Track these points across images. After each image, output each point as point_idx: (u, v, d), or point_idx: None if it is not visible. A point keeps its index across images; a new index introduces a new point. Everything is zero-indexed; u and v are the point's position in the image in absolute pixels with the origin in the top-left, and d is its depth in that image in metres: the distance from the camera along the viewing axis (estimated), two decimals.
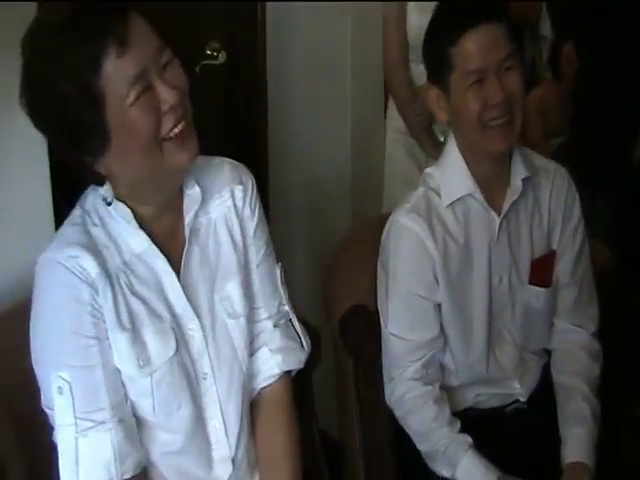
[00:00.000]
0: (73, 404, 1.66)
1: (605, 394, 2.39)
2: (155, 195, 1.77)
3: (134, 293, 1.75)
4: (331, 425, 2.53)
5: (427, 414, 2.26)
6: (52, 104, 1.60)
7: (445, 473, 2.23)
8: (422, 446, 2.28)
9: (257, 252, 1.96)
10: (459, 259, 2.26)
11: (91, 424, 1.67)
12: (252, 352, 1.96)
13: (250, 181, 1.95)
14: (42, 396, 1.72)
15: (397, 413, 2.32)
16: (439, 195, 2.27)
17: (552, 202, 2.35)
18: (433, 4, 3.04)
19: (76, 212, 1.78)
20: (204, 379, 1.84)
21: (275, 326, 1.99)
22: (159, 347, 1.75)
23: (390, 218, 2.30)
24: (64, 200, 2.02)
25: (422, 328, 2.27)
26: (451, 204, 2.25)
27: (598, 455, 2.26)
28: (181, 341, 1.79)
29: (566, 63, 3.72)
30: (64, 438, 1.68)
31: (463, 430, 2.25)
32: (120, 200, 1.75)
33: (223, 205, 1.89)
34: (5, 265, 2.12)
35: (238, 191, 1.92)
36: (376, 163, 3.30)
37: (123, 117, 1.60)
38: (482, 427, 2.29)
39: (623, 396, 2.58)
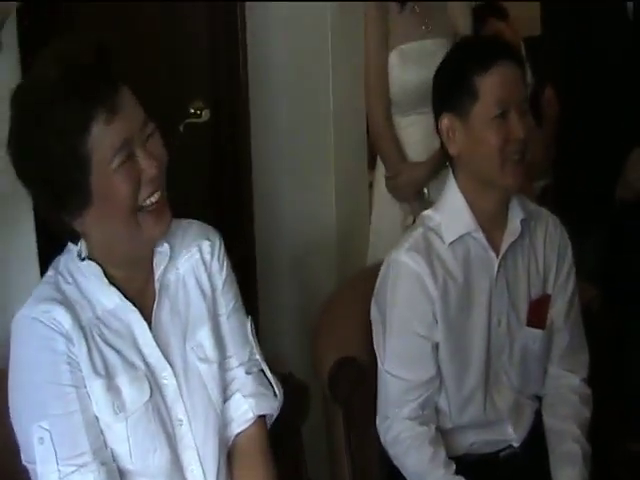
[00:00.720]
0: (55, 452, 1.69)
1: (596, 431, 2.41)
2: (126, 258, 1.82)
3: (108, 344, 1.78)
4: (321, 476, 2.51)
5: (423, 455, 2.25)
6: (37, 160, 1.66)
7: None
8: None
9: (226, 305, 1.99)
10: (458, 299, 2.27)
11: (74, 468, 1.70)
12: (225, 399, 1.97)
13: (217, 238, 2.00)
14: (22, 453, 1.74)
15: (392, 452, 2.31)
16: (438, 235, 2.28)
17: (547, 247, 2.39)
18: (414, 56, 3.13)
19: (49, 273, 1.83)
20: (180, 425, 1.85)
21: (247, 373, 2.00)
22: (134, 393, 1.78)
23: (388, 258, 2.31)
24: None
25: (419, 368, 2.27)
26: (451, 243, 2.26)
27: None
28: (155, 388, 1.82)
29: (547, 106, 3.75)
30: None
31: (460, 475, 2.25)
32: (92, 259, 1.79)
33: (191, 259, 1.94)
34: None
35: (205, 246, 1.96)
36: (360, 220, 3.30)
37: (105, 181, 1.66)
38: (476, 472, 2.28)
39: (615, 432, 2.60)
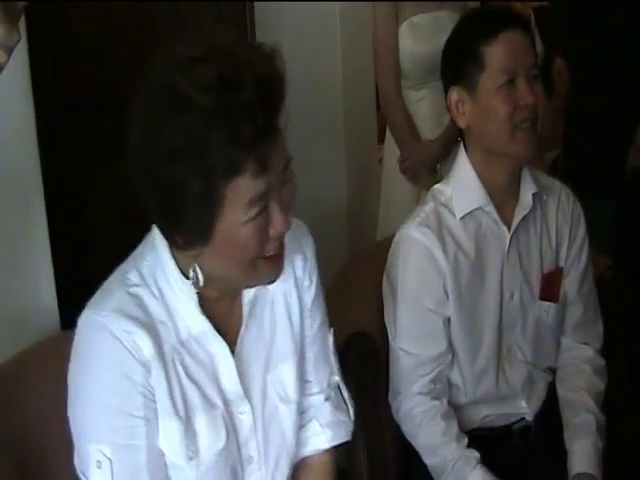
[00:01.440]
0: None
1: (609, 403, 2.41)
2: (228, 290, 1.71)
3: (188, 376, 1.66)
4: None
5: (435, 429, 2.25)
6: (168, 184, 1.49)
7: None
8: (430, 461, 2.27)
9: (312, 324, 1.87)
10: (470, 274, 2.26)
11: None
12: (301, 425, 1.90)
13: (310, 246, 1.87)
14: (76, 458, 1.64)
15: (404, 428, 2.31)
16: (449, 210, 2.27)
17: (559, 220, 2.37)
18: (425, 28, 3.11)
19: (132, 277, 1.65)
20: (250, 463, 1.76)
21: (326, 399, 1.94)
22: (210, 439, 1.67)
23: (399, 232, 2.29)
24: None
25: (430, 343, 2.27)
26: (462, 218, 2.25)
27: (605, 466, 2.27)
28: (231, 429, 1.71)
29: (557, 78, 3.74)
30: None
31: (470, 447, 2.25)
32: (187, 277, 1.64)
33: (283, 279, 1.77)
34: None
35: (298, 260, 1.84)
36: (371, 194, 3.30)
37: (233, 230, 1.52)
38: (489, 445, 2.28)
39: (628, 403, 2.60)
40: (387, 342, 2.32)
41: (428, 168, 3.17)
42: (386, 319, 2.34)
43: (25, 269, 2.11)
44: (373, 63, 3.26)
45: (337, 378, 1.95)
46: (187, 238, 1.55)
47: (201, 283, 1.62)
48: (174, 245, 1.60)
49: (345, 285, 2.51)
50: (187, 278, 1.64)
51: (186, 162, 1.45)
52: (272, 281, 1.67)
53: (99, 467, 1.58)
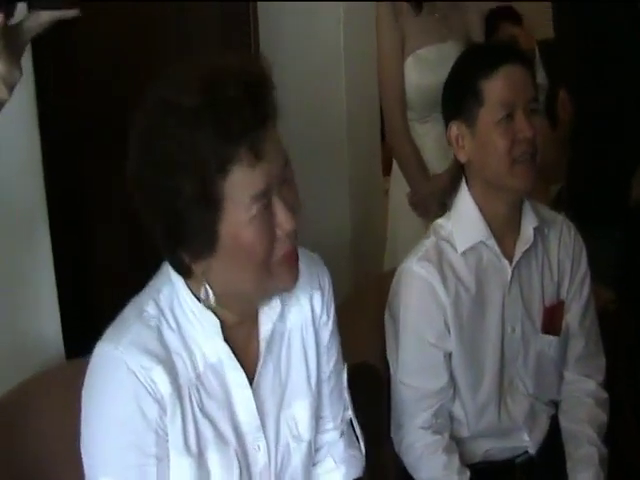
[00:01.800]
0: None
1: (614, 435, 2.41)
2: (244, 305, 1.67)
3: (203, 412, 1.63)
4: None
5: (437, 463, 2.24)
6: (165, 194, 1.49)
7: None
8: None
9: (329, 361, 1.86)
10: (471, 307, 2.26)
11: None
12: (318, 460, 1.90)
13: (326, 279, 1.84)
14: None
15: (406, 461, 2.31)
16: (451, 244, 2.27)
17: (561, 252, 2.37)
18: (431, 60, 3.12)
19: (150, 309, 1.62)
20: None
21: (340, 436, 1.92)
22: (222, 477, 1.65)
23: (400, 267, 2.30)
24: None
25: (432, 376, 2.27)
26: (463, 252, 2.26)
27: None
28: (244, 466, 1.69)
29: (561, 109, 3.75)
30: None
31: None
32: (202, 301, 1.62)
33: (301, 314, 1.77)
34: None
35: (317, 296, 1.81)
36: (376, 224, 3.31)
37: (237, 232, 1.50)
38: (492, 479, 2.29)
39: (633, 435, 2.59)
40: (390, 373, 2.32)
41: (438, 202, 3.17)
42: (388, 353, 2.34)
43: (29, 297, 2.11)
44: (379, 94, 3.26)
45: (350, 413, 1.94)
46: (193, 250, 1.53)
47: (212, 301, 1.60)
48: (182, 268, 1.58)
49: (348, 316, 2.49)
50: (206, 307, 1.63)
51: (179, 166, 1.46)
52: (289, 287, 1.63)
53: None
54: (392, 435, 2.33)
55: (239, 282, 1.58)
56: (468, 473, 2.25)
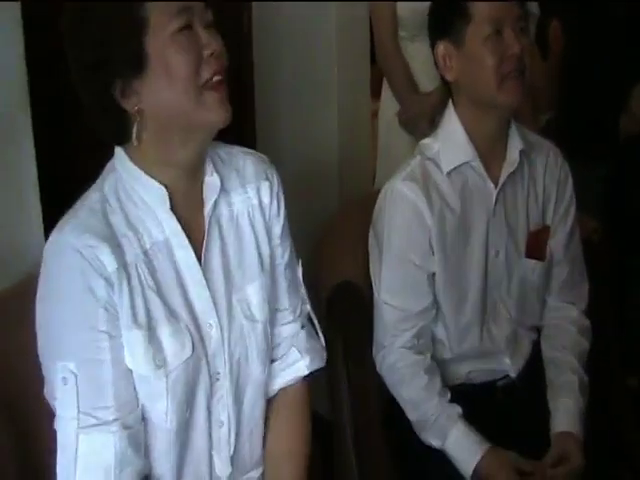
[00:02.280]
0: (77, 397, 1.59)
1: (596, 366, 2.42)
2: (181, 151, 1.68)
3: (152, 288, 1.66)
4: (319, 404, 2.51)
5: (418, 383, 2.26)
6: (94, 22, 1.57)
7: (435, 443, 2.24)
8: (412, 415, 2.28)
9: (284, 252, 1.90)
10: (455, 229, 2.26)
11: (94, 421, 1.60)
12: (281, 353, 1.95)
13: (275, 176, 1.88)
14: (45, 385, 1.66)
15: (388, 381, 2.32)
16: (436, 164, 2.27)
17: (546, 178, 2.37)
18: None
19: (94, 196, 1.68)
20: (217, 379, 1.76)
21: (302, 327, 1.96)
22: (175, 348, 1.67)
23: (385, 186, 2.30)
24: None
25: (415, 297, 2.28)
26: (449, 173, 2.25)
27: (587, 425, 2.28)
28: (197, 341, 1.71)
29: (553, 40, 3.72)
30: (65, 431, 1.61)
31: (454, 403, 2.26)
32: (148, 173, 1.68)
33: (248, 202, 1.82)
34: None
35: (265, 188, 1.85)
36: (363, 145, 3.29)
37: (163, 45, 1.58)
38: (473, 401, 2.29)
39: (614, 366, 2.62)
40: (373, 294, 2.33)
41: (428, 119, 3.16)
42: (372, 273, 2.34)
43: (12, 205, 2.10)
44: (369, 16, 3.23)
45: (308, 307, 1.99)
46: (122, 75, 1.59)
47: (136, 135, 1.64)
48: (116, 116, 1.63)
49: (334, 236, 2.52)
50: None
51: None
52: (221, 120, 1.66)
53: (65, 384, 1.60)
54: (374, 355, 2.34)
55: (170, 108, 1.62)
56: (449, 394, 2.27)
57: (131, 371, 1.65)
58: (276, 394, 1.96)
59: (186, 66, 1.59)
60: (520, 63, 2.18)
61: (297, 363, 1.96)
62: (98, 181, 1.72)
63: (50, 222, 2.08)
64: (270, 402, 1.95)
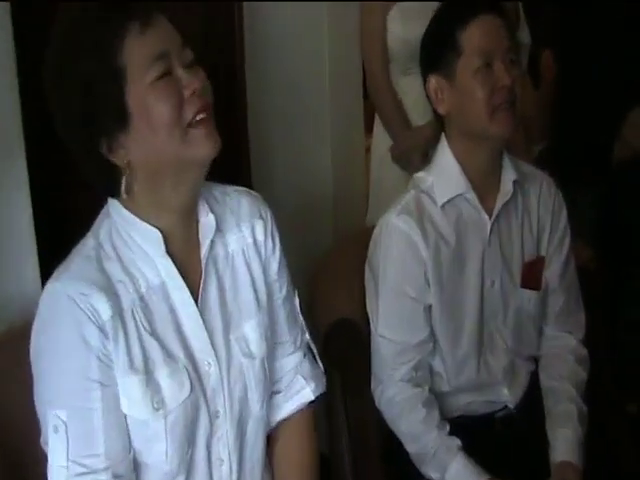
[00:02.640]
0: (67, 445, 1.60)
1: (594, 393, 2.42)
2: (173, 194, 1.68)
3: (149, 332, 1.67)
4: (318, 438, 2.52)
5: (416, 417, 2.26)
6: (73, 79, 1.57)
7: (435, 477, 2.23)
8: (411, 448, 2.28)
9: (281, 288, 1.92)
10: (451, 261, 2.27)
11: (83, 470, 1.60)
12: (285, 385, 1.97)
13: (269, 214, 1.90)
14: (41, 437, 1.65)
15: (386, 415, 2.32)
16: (431, 197, 2.28)
17: (540, 208, 2.38)
18: (416, 12, 3.10)
19: (89, 243, 1.69)
20: (217, 417, 1.76)
21: (304, 355, 1.99)
22: (174, 389, 1.68)
23: (380, 220, 2.31)
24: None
25: (412, 330, 2.28)
26: (443, 206, 2.26)
27: (586, 454, 2.27)
28: (195, 381, 1.71)
29: (545, 69, 3.74)
30: (56, 479, 1.62)
31: (453, 435, 2.26)
32: (143, 219, 1.68)
33: (243, 241, 1.83)
34: None
35: (259, 226, 1.86)
36: (357, 180, 3.31)
37: (143, 96, 1.57)
38: (472, 433, 2.29)
39: (612, 393, 2.62)
40: (370, 329, 2.33)
41: (421, 154, 3.17)
42: (368, 307, 2.35)
43: (9, 248, 2.11)
44: (360, 50, 3.24)
45: (308, 336, 2.01)
46: (108, 132, 1.59)
47: (124, 188, 1.64)
48: (105, 170, 1.64)
49: (329, 271, 2.53)
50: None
51: (83, 49, 1.56)
52: (209, 153, 1.65)
53: (56, 432, 1.61)
54: (372, 389, 2.33)
55: (158, 155, 1.62)
56: (447, 427, 2.27)
57: (124, 418, 1.65)
58: (281, 423, 1.98)
59: (168, 112, 1.59)
60: (511, 94, 2.20)
61: (303, 390, 1.98)
62: (93, 227, 1.72)
63: (45, 262, 2.12)
64: (276, 431, 1.97)
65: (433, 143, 3.08)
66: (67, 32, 1.59)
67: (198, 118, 1.62)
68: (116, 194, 1.67)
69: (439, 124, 2.36)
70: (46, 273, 2.09)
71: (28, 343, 1.66)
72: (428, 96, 2.30)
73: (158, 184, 1.67)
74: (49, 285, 1.64)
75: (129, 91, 1.57)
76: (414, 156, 3.17)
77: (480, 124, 2.21)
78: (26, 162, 2.10)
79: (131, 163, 1.62)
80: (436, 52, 2.26)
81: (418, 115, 3.21)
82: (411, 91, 3.19)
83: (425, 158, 3.10)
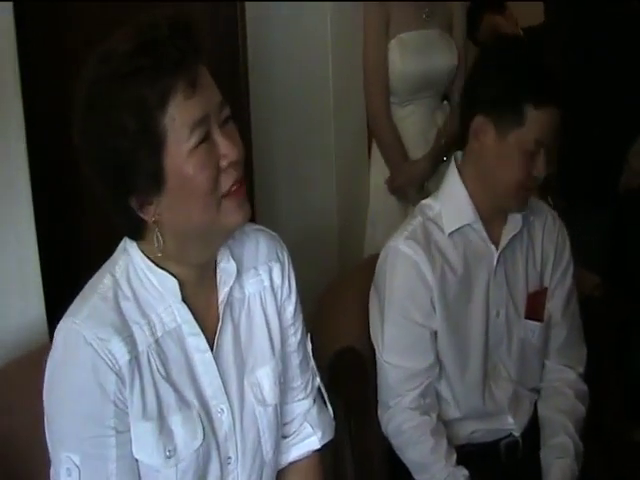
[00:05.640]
0: None
1: (600, 422, 2.44)
2: (198, 254, 1.67)
3: (163, 377, 1.64)
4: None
5: (424, 446, 2.26)
6: (110, 137, 1.51)
7: None
8: (419, 477, 2.28)
9: (295, 332, 1.89)
10: (457, 289, 2.27)
11: None
12: (293, 430, 1.95)
13: (286, 255, 1.87)
14: (52, 469, 1.63)
15: (394, 442, 2.32)
16: (438, 225, 2.28)
17: (545, 241, 2.40)
18: (414, 45, 3.11)
19: (106, 281, 1.65)
20: (228, 464, 1.74)
21: (314, 401, 1.96)
22: (186, 437, 1.65)
23: (387, 245, 2.31)
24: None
25: (418, 355, 2.28)
26: (450, 234, 2.27)
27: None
28: (208, 428, 1.69)
29: None
30: None
31: (459, 464, 2.26)
32: (161, 267, 1.65)
33: (260, 285, 1.81)
34: None
35: (276, 269, 1.84)
36: (362, 210, 3.32)
37: (181, 163, 1.53)
38: (478, 461, 2.29)
39: (618, 422, 2.60)
40: (375, 357, 2.33)
41: (417, 188, 3.19)
42: (372, 334, 2.35)
43: (13, 278, 2.11)
44: (363, 84, 3.26)
45: (318, 380, 1.98)
46: (140, 193, 1.55)
47: (158, 252, 1.61)
48: (133, 222, 1.61)
49: (333, 301, 2.52)
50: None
51: (121, 105, 1.50)
52: (239, 222, 1.64)
53: (69, 475, 1.59)
54: (379, 416, 2.33)
55: (189, 221, 1.60)
56: (455, 456, 2.27)
57: (137, 463, 1.64)
58: (288, 467, 1.96)
59: (206, 183, 1.55)
60: (540, 182, 2.23)
61: (309, 438, 1.96)
62: (108, 263, 1.69)
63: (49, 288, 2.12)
64: (282, 474, 1.96)
65: (429, 176, 3.12)
66: (108, 80, 1.52)
67: (233, 189, 1.59)
68: (138, 239, 1.66)
69: (441, 154, 2.36)
70: (51, 302, 2.12)
71: (33, 373, 1.65)
72: (465, 128, 2.27)
73: (185, 244, 1.65)
74: (66, 322, 1.60)
75: (167, 155, 1.53)
76: (410, 189, 3.19)
77: (502, 194, 2.25)
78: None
79: (159, 221, 1.60)
80: (496, 104, 2.20)
81: (414, 145, 3.24)
82: (408, 121, 3.23)
83: (421, 190, 3.12)
